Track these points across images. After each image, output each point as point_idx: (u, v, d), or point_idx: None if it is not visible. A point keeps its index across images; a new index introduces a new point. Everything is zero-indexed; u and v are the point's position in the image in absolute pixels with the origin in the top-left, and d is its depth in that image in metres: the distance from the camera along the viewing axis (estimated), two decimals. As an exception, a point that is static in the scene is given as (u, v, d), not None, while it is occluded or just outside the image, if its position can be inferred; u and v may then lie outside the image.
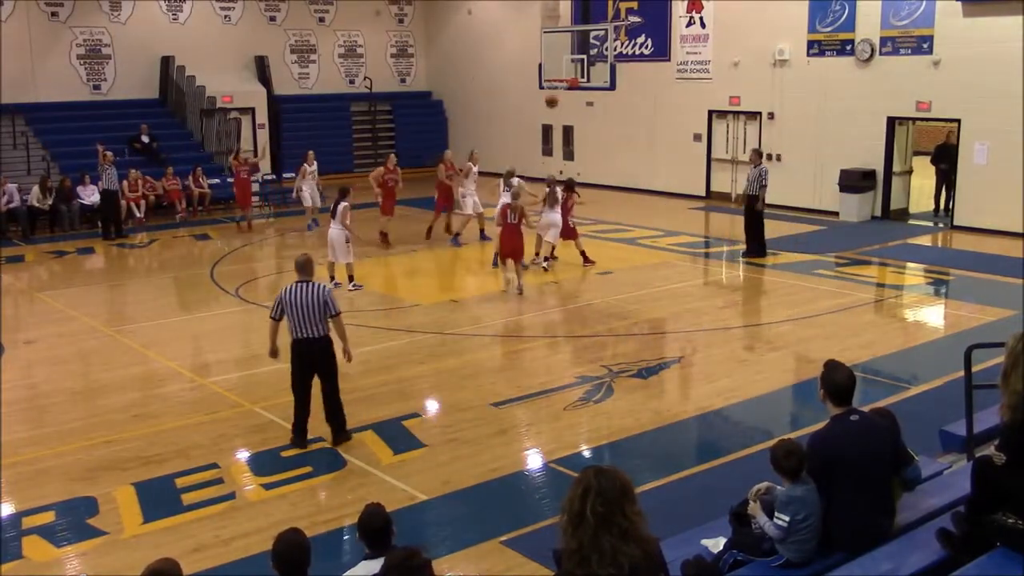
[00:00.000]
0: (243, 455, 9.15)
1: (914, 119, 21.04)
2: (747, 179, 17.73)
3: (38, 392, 11.27)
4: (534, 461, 9.03)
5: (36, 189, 21.37)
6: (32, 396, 11.11)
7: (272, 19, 29.34)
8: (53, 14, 25.64)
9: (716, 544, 5.55)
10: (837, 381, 5.42)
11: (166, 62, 27.01)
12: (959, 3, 18.48)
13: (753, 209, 17.32)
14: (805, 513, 5.18)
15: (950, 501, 5.77)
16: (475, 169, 19.20)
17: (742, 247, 18.03)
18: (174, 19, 27.47)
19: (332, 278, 15.30)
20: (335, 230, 15.21)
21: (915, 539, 5.33)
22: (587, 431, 9.69)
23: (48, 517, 7.90)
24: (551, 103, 20.39)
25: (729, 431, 9.78)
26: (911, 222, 21.11)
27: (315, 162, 21.78)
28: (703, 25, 24.05)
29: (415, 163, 28.46)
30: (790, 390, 11.01)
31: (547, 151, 28.85)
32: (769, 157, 23.06)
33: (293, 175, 26.25)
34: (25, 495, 8.35)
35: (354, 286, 15.28)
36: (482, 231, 19.33)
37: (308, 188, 21.46)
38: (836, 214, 21.13)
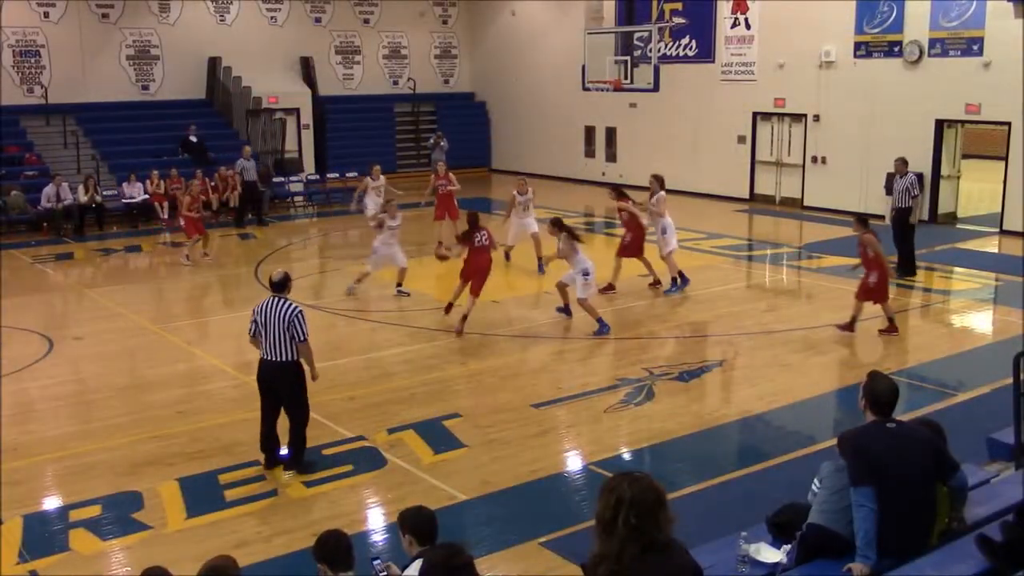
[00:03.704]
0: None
1: (963, 122, 20.74)
2: (894, 190, 16.39)
3: (86, 387, 11.47)
4: (574, 463, 9.03)
5: (81, 188, 21.70)
6: (80, 391, 11.31)
7: (317, 20, 29.58)
8: (104, 15, 26.05)
9: (757, 551, 5.51)
10: (877, 392, 5.37)
11: (213, 63, 27.34)
12: (1010, 4, 18.16)
13: (904, 222, 16.00)
14: (832, 483, 5.44)
15: (997, 510, 5.68)
16: (522, 198, 17.06)
17: (789, 249, 17.83)
18: (221, 20, 27.78)
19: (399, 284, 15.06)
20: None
21: (960, 548, 5.25)
22: (627, 434, 9.67)
23: (95, 511, 8.02)
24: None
25: (771, 436, 9.70)
26: (959, 226, 20.80)
27: (381, 176, 19.43)
28: (748, 26, 23.88)
29: (457, 164, 28.54)
30: (833, 395, 10.90)
31: (590, 153, 28.81)
32: (814, 160, 22.88)
33: (336, 175, 26.61)
34: (72, 489, 8.49)
35: (357, 281, 15.34)
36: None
37: (372, 203, 18.71)
38: (882, 217, 20.85)
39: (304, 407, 8.76)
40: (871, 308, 12.80)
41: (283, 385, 8.61)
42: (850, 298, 14.58)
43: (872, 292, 12.54)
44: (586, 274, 12.89)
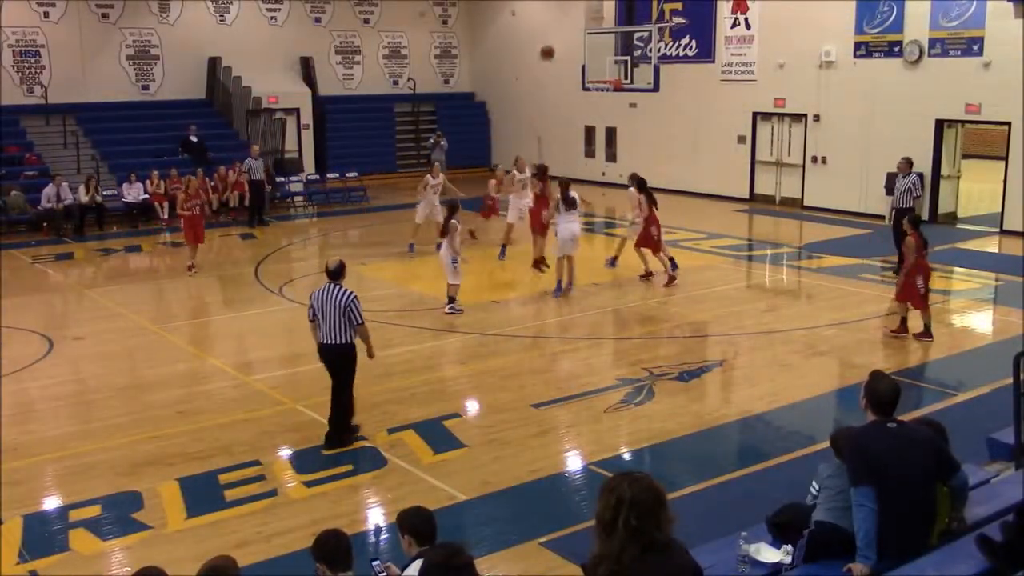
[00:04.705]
0: (285, 452, 9.23)
1: (963, 122, 20.74)
2: (896, 190, 16.28)
3: (86, 387, 11.46)
4: (574, 463, 9.02)
5: (81, 188, 21.69)
6: (80, 391, 11.30)
7: (317, 20, 29.58)
8: (104, 15, 26.05)
9: (757, 551, 5.51)
10: (878, 392, 5.36)
11: (213, 63, 27.34)
12: (1010, 4, 18.18)
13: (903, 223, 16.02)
14: (835, 483, 5.50)
15: (997, 510, 5.68)
16: (519, 176, 18.23)
17: (789, 249, 17.76)
18: (221, 20, 27.79)
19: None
20: (443, 249, 14.17)
21: (960, 548, 5.25)
22: (627, 433, 9.66)
23: (95, 511, 8.02)
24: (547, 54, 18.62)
25: (771, 436, 9.69)
26: (959, 226, 20.80)
27: (441, 175, 18.83)
28: (748, 26, 23.87)
29: (457, 164, 28.59)
30: (833, 395, 10.89)
31: (590, 152, 28.80)
32: (814, 160, 22.88)
33: (336, 175, 26.61)
34: (72, 489, 8.49)
35: (451, 309, 13.98)
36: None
37: (426, 204, 18.34)
38: (882, 218, 20.85)
39: (349, 391, 9.30)
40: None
41: (339, 365, 9.21)
42: (850, 298, 14.63)
43: (925, 296, 12.39)
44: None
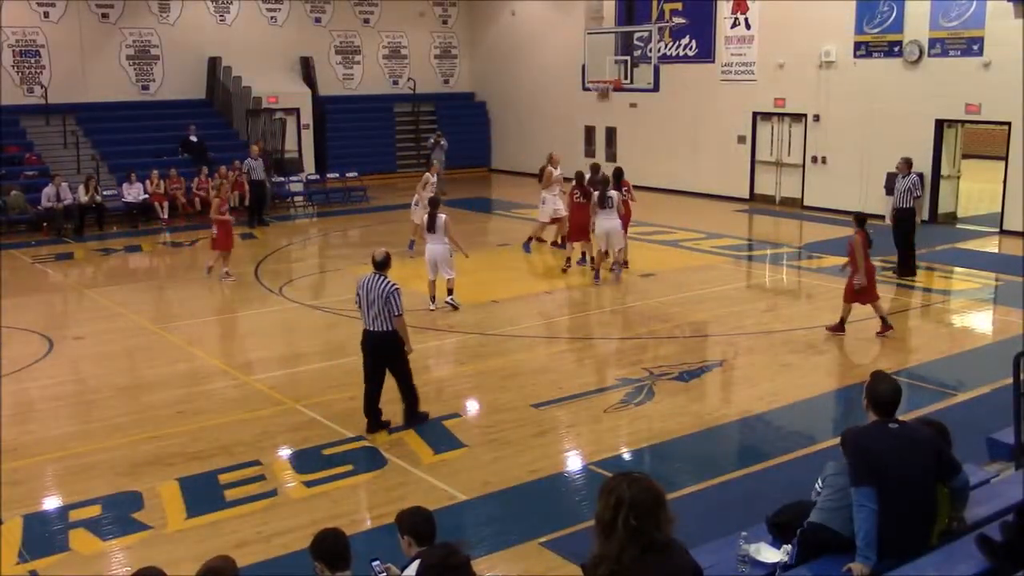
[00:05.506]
0: (285, 452, 9.24)
1: (963, 122, 20.74)
2: (896, 190, 16.17)
3: (86, 387, 11.46)
4: (574, 463, 9.02)
5: (81, 188, 21.68)
6: (80, 391, 11.30)
7: (317, 20, 29.57)
8: (104, 15, 26.04)
9: (757, 551, 5.51)
10: (879, 393, 5.36)
11: (213, 63, 27.33)
12: (1010, 4, 18.18)
13: (906, 223, 15.79)
14: (834, 482, 5.47)
15: (997, 510, 5.68)
16: (556, 173, 18.25)
17: (789, 249, 17.76)
18: (221, 20, 27.77)
19: (433, 298, 14.09)
20: (438, 245, 13.98)
21: (960, 548, 5.25)
22: (627, 434, 9.67)
23: (95, 511, 8.02)
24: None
25: (771, 436, 9.69)
26: (959, 226, 20.80)
27: (437, 175, 18.59)
28: (748, 26, 23.87)
29: (458, 164, 28.63)
30: (833, 395, 10.90)
31: (590, 152, 28.76)
32: (814, 160, 22.88)
33: (336, 175, 26.60)
34: (72, 489, 8.49)
35: (450, 300, 14.07)
36: (560, 239, 18.47)
37: (424, 204, 16.83)
38: (882, 217, 20.85)
39: (406, 368, 9.63)
40: (866, 309, 12.79)
41: (385, 352, 9.46)
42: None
43: (859, 294, 12.47)
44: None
